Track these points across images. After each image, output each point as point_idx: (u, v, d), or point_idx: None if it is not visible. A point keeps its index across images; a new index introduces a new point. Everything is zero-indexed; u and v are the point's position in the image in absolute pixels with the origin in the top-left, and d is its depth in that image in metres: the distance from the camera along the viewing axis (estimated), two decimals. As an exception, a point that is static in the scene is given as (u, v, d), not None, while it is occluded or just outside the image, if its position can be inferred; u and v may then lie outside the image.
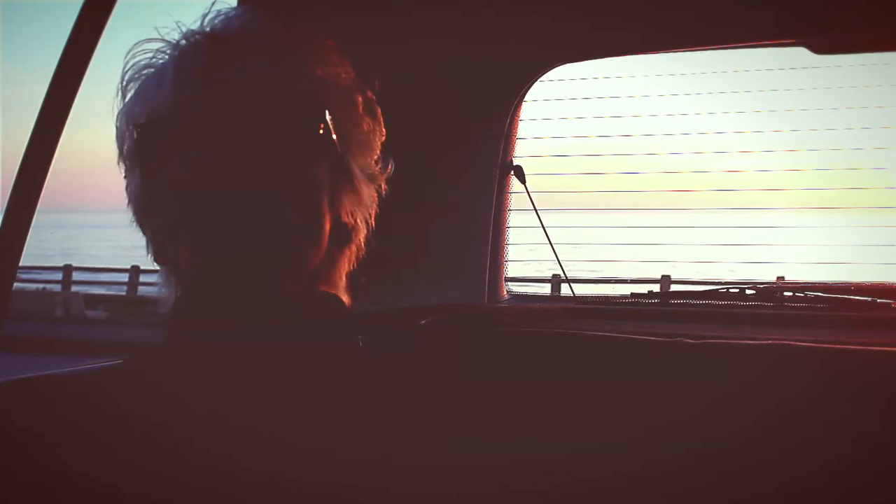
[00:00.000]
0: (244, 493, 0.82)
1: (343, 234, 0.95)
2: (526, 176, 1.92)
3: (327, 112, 0.91)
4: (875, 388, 1.25)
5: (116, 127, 0.93)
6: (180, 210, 0.87)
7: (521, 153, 1.94)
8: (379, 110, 1.00)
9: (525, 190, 1.92)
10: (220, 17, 0.92)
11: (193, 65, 0.87)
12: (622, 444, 1.15)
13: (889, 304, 1.69)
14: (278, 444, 0.84)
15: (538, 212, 1.94)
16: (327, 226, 0.91)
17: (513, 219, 1.97)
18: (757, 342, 1.33)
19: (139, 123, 0.89)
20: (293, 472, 0.83)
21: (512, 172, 1.92)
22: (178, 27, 0.92)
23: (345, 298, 0.98)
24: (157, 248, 0.92)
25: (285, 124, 0.87)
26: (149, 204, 0.91)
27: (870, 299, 1.70)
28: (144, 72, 0.92)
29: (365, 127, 0.96)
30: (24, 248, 1.27)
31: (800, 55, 1.66)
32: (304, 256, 0.88)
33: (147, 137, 0.89)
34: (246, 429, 0.84)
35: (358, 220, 0.97)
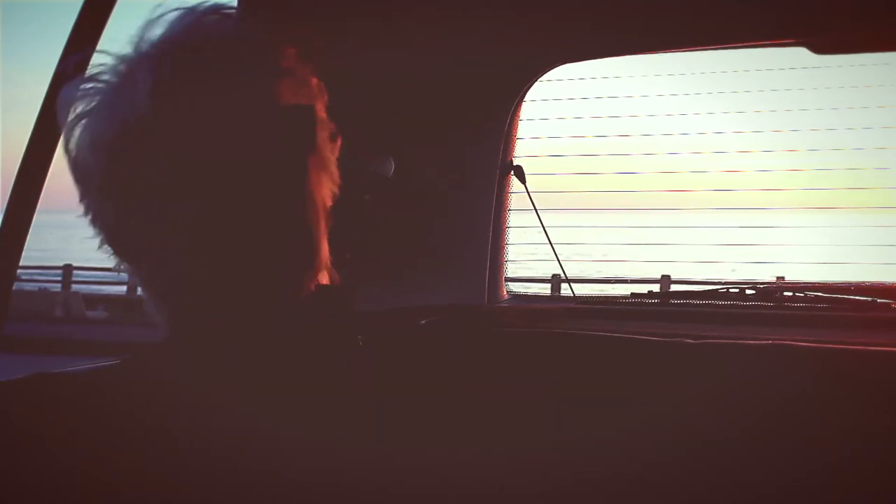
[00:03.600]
0: (244, 493, 0.82)
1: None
2: (526, 176, 1.92)
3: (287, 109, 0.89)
4: (875, 388, 1.25)
5: (71, 160, 0.90)
6: (164, 237, 0.86)
7: (522, 153, 1.94)
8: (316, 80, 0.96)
9: (525, 190, 1.92)
10: (161, 29, 0.88)
11: (131, 99, 0.85)
12: (622, 444, 1.15)
13: (889, 304, 1.69)
14: (278, 444, 0.84)
15: (538, 212, 1.94)
16: (322, 236, 0.90)
17: (513, 219, 1.97)
18: (757, 342, 1.33)
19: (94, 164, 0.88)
20: (293, 472, 0.83)
21: (512, 172, 1.92)
22: (107, 53, 0.88)
23: (330, 275, 0.98)
24: (146, 277, 0.91)
25: (250, 141, 0.86)
26: (129, 235, 0.90)
27: (870, 299, 1.70)
28: (81, 102, 0.89)
29: (306, 101, 0.92)
30: (24, 248, 1.27)
31: (800, 55, 1.66)
32: (302, 279, 0.88)
33: (110, 174, 0.87)
34: (245, 428, 0.84)
35: (330, 190, 0.95)
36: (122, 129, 0.86)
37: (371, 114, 1.65)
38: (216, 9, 0.90)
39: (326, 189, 0.94)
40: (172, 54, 0.86)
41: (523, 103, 1.90)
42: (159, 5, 0.90)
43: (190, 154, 0.85)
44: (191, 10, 0.90)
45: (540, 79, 1.85)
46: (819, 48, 1.62)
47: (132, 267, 0.92)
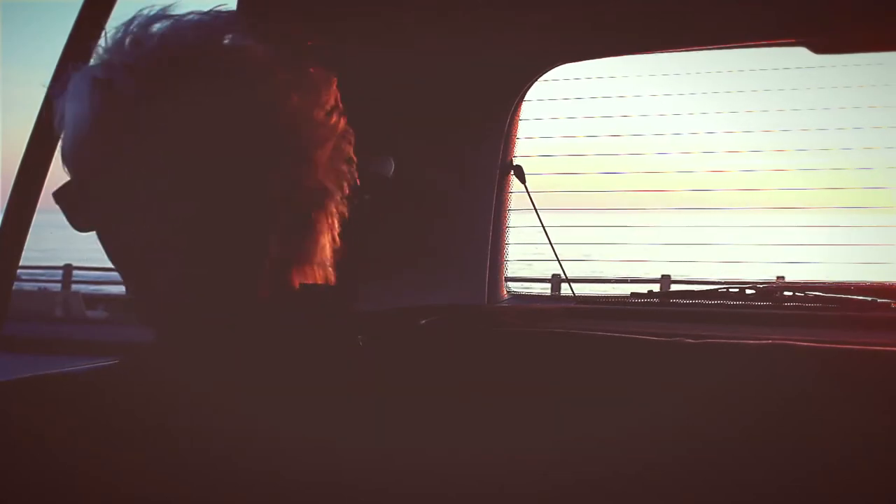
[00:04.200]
0: (244, 493, 0.82)
1: (298, 218, 0.91)
2: (527, 176, 1.92)
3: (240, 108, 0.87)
4: (875, 388, 1.25)
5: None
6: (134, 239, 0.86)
7: (522, 153, 1.94)
8: (313, 72, 0.94)
9: (525, 190, 1.92)
10: (141, 33, 0.88)
11: (84, 112, 0.86)
12: (622, 444, 1.15)
13: (889, 304, 1.69)
14: (278, 444, 0.84)
15: (538, 212, 1.94)
16: (279, 220, 0.89)
17: (513, 219, 1.97)
18: (757, 342, 1.33)
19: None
20: (293, 472, 0.83)
21: (512, 172, 1.92)
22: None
23: (330, 274, 0.96)
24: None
25: (200, 142, 0.85)
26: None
27: (870, 299, 1.70)
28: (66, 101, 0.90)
29: (295, 99, 0.90)
30: (24, 248, 1.27)
31: (793, 54, 1.67)
32: (253, 267, 0.87)
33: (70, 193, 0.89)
34: (245, 428, 0.84)
35: (328, 186, 0.93)
36: (97, 129, 0.86)
37: (371, 114, 1.65)
38: (190, 15, 0.90)
39: (301, 182, 0.91)
40: (147, 61, 0.86)
41: (523, 103, 1.90)
42: (144, 9, 0.90)
43: (162, 157, 0.84)
44: (167, 15, 0.89)
45: (540, 79, 1.85)
46: (819, 48, 1.62)
47: (118, 268, 0.92)
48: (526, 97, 1.89)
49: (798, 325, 1.65)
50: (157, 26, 0.88)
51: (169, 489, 0.81)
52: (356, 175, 0.97)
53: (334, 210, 0.95)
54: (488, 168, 1.88)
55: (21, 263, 1.29)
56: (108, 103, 0.85)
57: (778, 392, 1.25)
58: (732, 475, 1.20)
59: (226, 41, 0.89)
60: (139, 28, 0.88)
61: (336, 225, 0.96)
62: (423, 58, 1.73)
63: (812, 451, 1.21)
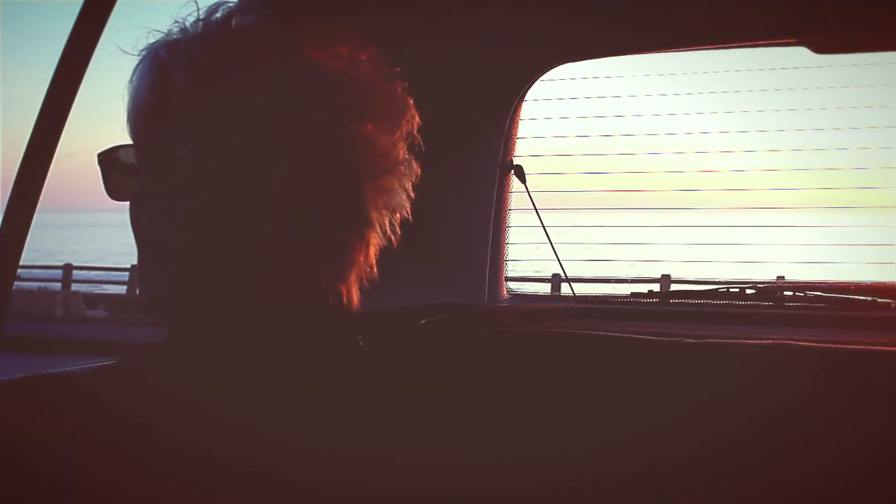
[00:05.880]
0: (244, 492, 0.82)
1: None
2: (526, 176, 1.92)
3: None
4: (875, 388, 1.25)
5: None
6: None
7: (522, 152, 1.94)
8: (398, 97, 0.95)
9: (525, 190, 1.92)
10: (206, 17, 0.88)
11: (144, 85, 0.87)
12: (622, 443, 1.16)
13: (889, 303, 1.69)
14: (277, 444, 0.84)
15: (538, 211, 1.94)
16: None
17: (513, 219, 1.97)
18: (757, 342, 1.33)
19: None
20: (293, 472, 0.83)
21: (512, 172, 1.92)
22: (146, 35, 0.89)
23: (354, 294, 0.96)
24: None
25: (240, 141, 0.85)
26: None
27: (870, 299, 1.70)
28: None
29: (363, 125, 0.92)
30: (24, 248, 1.27)
31: (792, 54, 1.66)
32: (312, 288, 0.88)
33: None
34: (245, 428, 0.84)
35: (372, 216, 0.94)
36: (151, 103, 0.86)
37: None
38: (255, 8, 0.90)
39: (342, 207, 0.91)
40: (216, 55, 0.86)
41: (524, 103, 1.90)
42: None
43: (213, 142, 0.84)
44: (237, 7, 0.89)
45: (540, 79, 1.85)
46: (819, 48, 1.62)
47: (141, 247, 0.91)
48: (525, 97, 1.89)
49: (798, 325, 1.65)
50: (246, 17, 0.88)
51: (168, 489, 0.81)
52: (408, 209, 0.97)
53: (373, 241, 0.94)
54: (488, 168, 1.88)
55: (21, 263, 1.29)
56: (166, 86, 0.85)
57: (778, 392, 1.26)
58: (732, 475, 1.20)
59: (303, 57, 0.89)
60: (222, 18, 0.88)
61: (372, 254, 0.95)
62: (422, 57, 1.73)
63: (812, 450, 1.21)
